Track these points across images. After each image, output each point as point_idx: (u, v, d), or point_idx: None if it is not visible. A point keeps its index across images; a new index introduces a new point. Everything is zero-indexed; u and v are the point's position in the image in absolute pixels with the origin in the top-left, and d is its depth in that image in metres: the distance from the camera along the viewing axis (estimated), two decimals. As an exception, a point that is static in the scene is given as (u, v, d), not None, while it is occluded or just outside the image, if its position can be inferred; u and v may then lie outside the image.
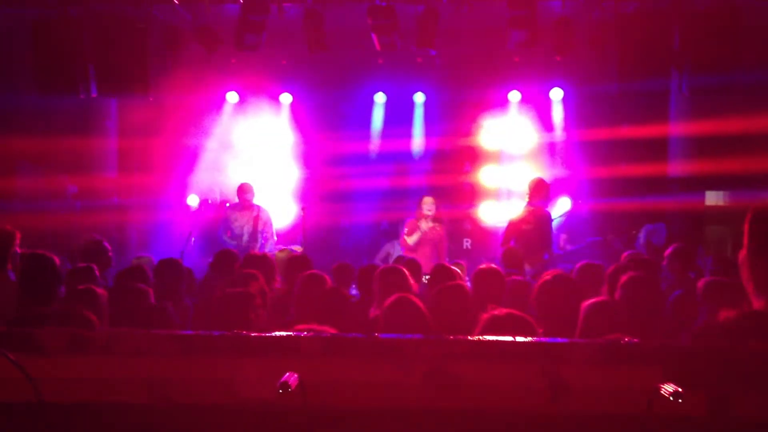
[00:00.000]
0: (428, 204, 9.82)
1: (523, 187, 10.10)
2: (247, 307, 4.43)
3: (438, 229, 9.83)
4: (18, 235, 6.50)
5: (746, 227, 2.75)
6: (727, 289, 4.29)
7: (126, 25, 9.77)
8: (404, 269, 5.92)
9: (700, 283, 5.14)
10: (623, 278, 4.77)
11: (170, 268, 6.47)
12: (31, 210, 10.00)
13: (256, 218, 10.10)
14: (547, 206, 9.66)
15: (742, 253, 2.76)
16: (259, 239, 10.02)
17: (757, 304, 2.70)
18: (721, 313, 2.82)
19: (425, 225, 9.78)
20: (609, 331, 3.55)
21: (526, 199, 9.49)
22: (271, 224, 10.31)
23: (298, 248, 10.20)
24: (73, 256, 7.35)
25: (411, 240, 9.74)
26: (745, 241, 2.74)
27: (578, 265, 6.55)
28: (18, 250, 6.52)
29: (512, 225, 9.28)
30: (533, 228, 9.11)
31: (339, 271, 6.93)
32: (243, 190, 10.32)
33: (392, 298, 4.55)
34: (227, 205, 11.18)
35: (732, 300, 2.85)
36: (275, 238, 10.38)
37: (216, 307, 4.54)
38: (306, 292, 5.48)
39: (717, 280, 5.00)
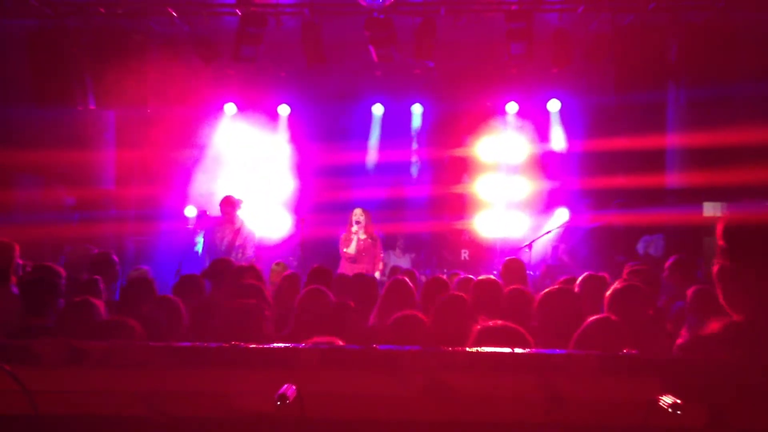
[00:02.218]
0: (357, 215, 10.02)
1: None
2: (259, 318, 4.42)
3: (369, 240, 9.98)
4: (17, 247, 6.50)
5: (720, 240, 2.72)
6: (715, 297, 4.30)
7: (124, 37, 9.81)
8: (409, 281, 5.93)
9: (689, 291, 5.14)
10: (610, 292, 4.76)
11: (192, 284, 6.44)
12: (29, 222, 9.98)
13: (237, 232, 9.96)
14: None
15: (716, 267, 2.73)
16: (236, 253, 9.83)
17: (737, 318, 2.68)
18: (708, 325, 2.81)
19: (357, 233, 9.97)
20: (605, 347, 3.55)
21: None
22: (251, 240, 10.09)
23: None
24: (78, 268, 7.31)
25: (351, 249, 9.94)
26: (720, 253, 2.71)
27: (581, 277, 6.52)
28: (20, 261, 6.51)
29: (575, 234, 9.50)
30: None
31: (337, 282, 6.92)
32: (225, 202, 10.17)
33: (398, 314, 4.55)
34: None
35: (719, 308, 2.84)
36: (251, 253, 10.16)
37: (225, 319, 4.52)
38: (308, 306, 5.47)
39: (706, 288, 4.99)
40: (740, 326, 2.63)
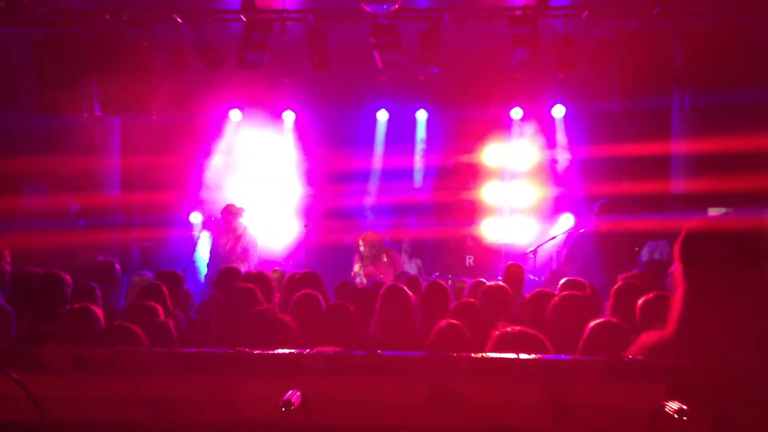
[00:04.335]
0: (361, 245, 10.16)
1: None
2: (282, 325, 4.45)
3: (382, 265, 10.03)
4: (7, 253, 6.50)
5: (680, 248, 2.71)
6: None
7: (129, 44, 9.83)
8: (405, 288, 5.93)
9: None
10: (641, 301, 4.72)
11: (171, 280, 6.50)
12: (35, 228, 10.00)
13: (238, 239, 10.02)
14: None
15: (677, 271, 2.73)
16: (236, 260, 9.84)
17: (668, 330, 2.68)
18: (639, 339, 2.81)
19: (358, 268, 10.06)
20: (611, 351, 3.54)
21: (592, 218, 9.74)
22: (252, 247, 10.14)
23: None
24: (83, 275, 7.32)
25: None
26: (680, 261, 2.71)
27: (562, 281, 6.50)
28: (8, 268, 6.51)
29: (578, 242, 9.46)
30: (595, 247, 9.27)
31: (341, 288, 6.93)
32: (226, 211, 10.27)
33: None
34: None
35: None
36: (254, 261, 10.18)
37: (243, 325, 4.54)
38: (301, 312, 5.47)
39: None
40: (668, 340, 2.63)
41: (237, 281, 6.63)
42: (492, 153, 12.82)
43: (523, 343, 3.51)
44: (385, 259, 9.99)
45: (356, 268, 10.09)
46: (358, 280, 9.97)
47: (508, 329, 3.68)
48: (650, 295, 4.74)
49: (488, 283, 6.17)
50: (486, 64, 11.19)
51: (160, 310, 5.30)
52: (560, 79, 10.97)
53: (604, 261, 9.23)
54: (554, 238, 11.10)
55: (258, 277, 6.55)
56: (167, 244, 12.17)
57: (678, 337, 2.61)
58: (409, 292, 5.82)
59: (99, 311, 4.92)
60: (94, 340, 4.35)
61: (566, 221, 11.98)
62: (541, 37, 9.31)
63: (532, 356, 2.62)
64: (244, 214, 10.35)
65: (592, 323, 4.10)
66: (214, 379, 2.57)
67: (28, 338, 4.98)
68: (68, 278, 5.74)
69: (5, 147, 9.93)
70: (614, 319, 4.14)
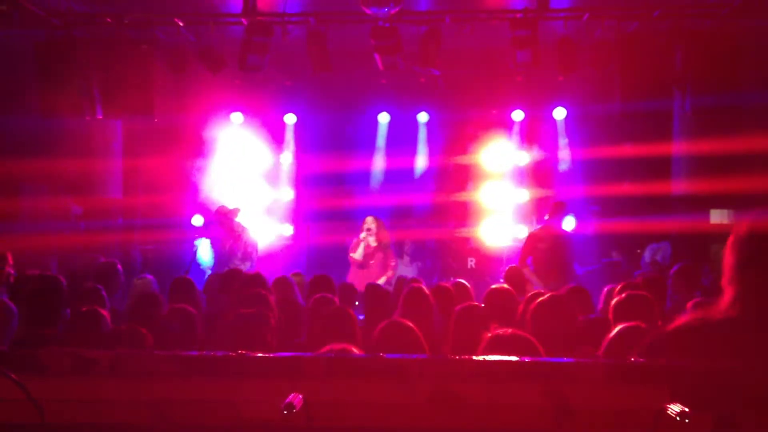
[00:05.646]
0: (368, 223, 10.22)
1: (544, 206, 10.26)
2: (262, 327, 4.44)
3: (379, 248, 10.17)
4: (9, 256, 6.50)
5: (734, 238, 2.69)
6: None
7: (131, 47, 9.83)
8: (425, 289, 5.95)
9: (689, 304, 5.13)
10: (613, 301, 4.73)
11: (184, 287, 6.50)
12: (36, 231, 9.99)
13: (238, 239, 10.08)
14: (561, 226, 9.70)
15: (728, 262, 2.71)
16: (234, 261, 9.88)
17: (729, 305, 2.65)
18: (678, 318, 2.78)
19: (372, 240, 10.18)
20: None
21: (546, 218, 9.65)
22: (251, 248, 10.19)
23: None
24: (84, 277, 7.32)
25: (357, 254, 10.15)
26: (731, 250, 2.69)
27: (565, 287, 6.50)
28: (12, 271, 6.51)
29: (530, 242, 9.38)
30: (549, 247, 9.14)
31: (342, 291, 6.94)
32: (219, 212, 10.35)
33: (384, 322, 4.56)
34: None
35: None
36: (253, 262, 10.22)
37: (230, 327, 4.54)
38: (315, 314, 5.48)
39: (707, 300, 4.99)
40: (718, 322, 2.60)
41: (239, 283, 6.63)
42: (493, 155, 12.82)
43: (515, 345, 3.51)
44: (378, 247, 10.10)
45: (371, 240, 10.15)
46: (358, 254, 10.04)
47: (500, 332, 3.68)
48: (625, 294, 4.73)
49: (493, 286, 6.17)
50: (487, 66, 11.19)
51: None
52: (561, 81, 10.97)
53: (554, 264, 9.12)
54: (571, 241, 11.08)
55: (256, 279, 6.55)
56: (169, 247, 12.16)
57: (744, 319, 2.55)
58: (430, 295, 5.84)
59: (106, 314, 4.94)
60: (102, 342, 4.36)
61: (568, 223, 11.97)
62: (542, 39, 9.30)
63: (534, 359, 2.62)
64: (239, 214, 10.38)
65: (620, 326, 4.07)
66: (216, 381, 2.57)
67: (25, 340, 4.97)
68: (64, 281, 5.73)
69: (7, 149, 9.93)
70: (642, 324, 4.10)
